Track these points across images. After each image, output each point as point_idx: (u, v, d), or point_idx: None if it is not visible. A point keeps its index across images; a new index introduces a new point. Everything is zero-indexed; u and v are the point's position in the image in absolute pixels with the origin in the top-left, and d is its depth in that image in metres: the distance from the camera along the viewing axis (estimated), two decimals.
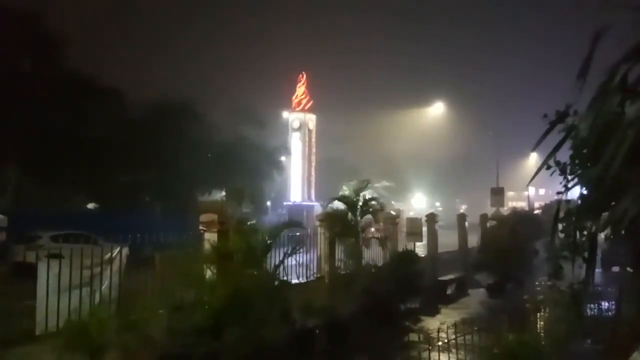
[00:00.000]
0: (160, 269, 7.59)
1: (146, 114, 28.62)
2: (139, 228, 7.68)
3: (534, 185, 49.86)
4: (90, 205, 30.17)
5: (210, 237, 8.02)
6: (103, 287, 6.98)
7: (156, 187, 28.57)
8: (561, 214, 3.26)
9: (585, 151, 3.05)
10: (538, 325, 6.15)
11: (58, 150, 23.06)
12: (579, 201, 3.25)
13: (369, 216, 12.26)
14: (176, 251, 7.33)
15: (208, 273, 7.36)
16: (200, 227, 8.32)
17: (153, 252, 7.79)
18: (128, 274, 7.51)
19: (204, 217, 8.39)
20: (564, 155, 3.36)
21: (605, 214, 2.97)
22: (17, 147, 22.00)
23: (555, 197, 3.55)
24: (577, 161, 3.31)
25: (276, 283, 7.81)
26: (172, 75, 68.72)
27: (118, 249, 7.41)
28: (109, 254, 7.26)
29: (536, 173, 3.19)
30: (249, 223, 7.82)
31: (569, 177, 3.31)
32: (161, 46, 72.22)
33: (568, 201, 3.33)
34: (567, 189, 3.31)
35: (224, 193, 29.55)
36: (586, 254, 3.20)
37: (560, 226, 3.36)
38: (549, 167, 3.33)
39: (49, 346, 5.65)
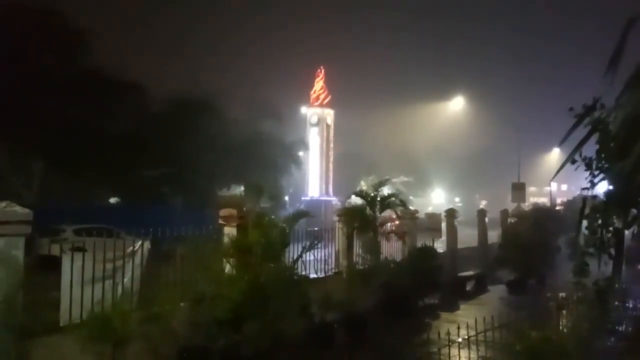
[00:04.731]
0: (181, 262, 7.68)
1: (167, 109, 28.96)
2: (160, 222, 7.77)
3: (556, 180, 48.94)
4: (113, 200, 30.69)
5: (230, 231, 8.08)
6: (125, 280, 7.08)
7: (176, 182, 28.90)
8: (586, 210, 3.18)
9: (613, 145, 2.97)
10: (561, 323, 6.05)
11: (82, 145, 23.51)
12: (605, 197, 3.17)
13: (387, 211, 12.22)
14: (196, 245, 7.41)
15: (227, 267, 7.43)
16: (220, 221, 8.39)
17: (174, 245, 7.88)
18: (149, 267, 7.61)
19: (223, 212, 8.45)
20: (589, 150, 3.28)
21: (632, 210, 2.89)
22: (42, 141, 22.47)
23: (579, 193, 3.47)
24: (603, 156, 3.23)
25: (295, 277, 7.84)
26: (191, 70, 69.30)
27: (140, 243, 7.50)
28: (131, 248, 7.36)
29: (560, 168, 3.12)
30: (267, 218, 7.86)
31: (595, 173, 3.22)
32: (181, 41, 72.82)
33: (594, 197, 3.25)
34: (593, 185, 3.23)
35: (242, 188, 29.74)
36: (612, 251, 3.12)
37: (585, 222, 3.28)
38: (573, 162, 3.25)
39: (73, 337, 5.76)
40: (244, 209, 8.37)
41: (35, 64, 23.61)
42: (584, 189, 3.30)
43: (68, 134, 22.85)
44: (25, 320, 5.60)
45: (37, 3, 24.38)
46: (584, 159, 3.26)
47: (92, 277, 6.59)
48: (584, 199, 3.23)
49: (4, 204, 5.50)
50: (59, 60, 25.36)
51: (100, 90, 24.41)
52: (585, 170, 3.24)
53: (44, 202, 19.68)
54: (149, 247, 7.64)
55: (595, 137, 3.17)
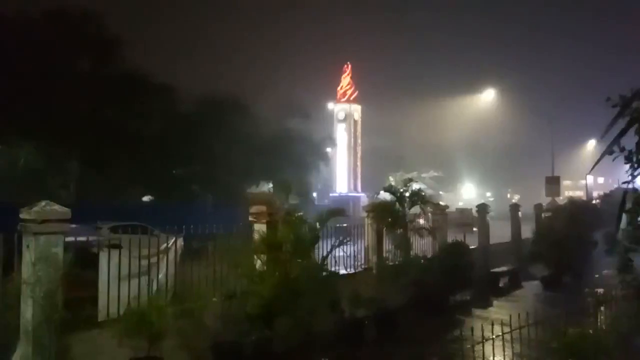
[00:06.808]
0: (213, 258, 7.80)
1: (196, 109, 29.42)
2: (192, 219, 7.90)
3: (592, 173, 47.39)
4: (146, 198, 31.39)
5: (260, 228, 8.15)
6: (160, 276, 7.24)
7: (206, 180, 29.36)
8: (627, 204, 3.07)
9: None
10: (599, 319, 5.88)
11: (116, 145, 24.14)
12: None
13: (417, 207, 12.08)
14: (228, 241, 7.50)
15: (258, 263, 7.51)
16: (250, 218, 8.47)
17: (206, 242, 8.00)
18: (183, 263, 7.76)
19: (253, 209, 8.52)
20: (628, 142, 3.15)
21: None
22: (78, 143, 23.17)
23: (617, 186, 3.35)
24: None
25: (324, 273, 7.86)
26: (220, 69, 70.12)
27: (173, 240, 7.66)
28: (165, 245, 7.51)
29: (599, 160, 3.03)
30: (297, 214, 7.89)
31: (635, 165, 3.09)
32: (209, 40, 73.76)
33: (634, 190, 3.13)
34: (634, 178, 3.10)
35: (271, 185, 29.99)
36: None
37: (625, 217, 3.17)
38: (611, 154, 3.13)
39: (110, 331, 5.93)
40: (274, 206, 8.43)
41: (70, 66, 24.33)
42: (624, 182, 3.17)
43: (102, 135, 23.49)
44: (65, 315, 5.77)
45: (68, 6, 25.08)
46: (622, 150, 3.13)
47: (128, 274, 6.75)
48: (625, 192, 3.11)
49: (43, 203, 5.68)
50: (93, 62, 26.07)
51: (132, 91, 24.99)
52: (625, 162, 3.11)
53: (81, 201, 20.30)
54: (182, 243, 7.78)
55: (634, 129, 3.05)
